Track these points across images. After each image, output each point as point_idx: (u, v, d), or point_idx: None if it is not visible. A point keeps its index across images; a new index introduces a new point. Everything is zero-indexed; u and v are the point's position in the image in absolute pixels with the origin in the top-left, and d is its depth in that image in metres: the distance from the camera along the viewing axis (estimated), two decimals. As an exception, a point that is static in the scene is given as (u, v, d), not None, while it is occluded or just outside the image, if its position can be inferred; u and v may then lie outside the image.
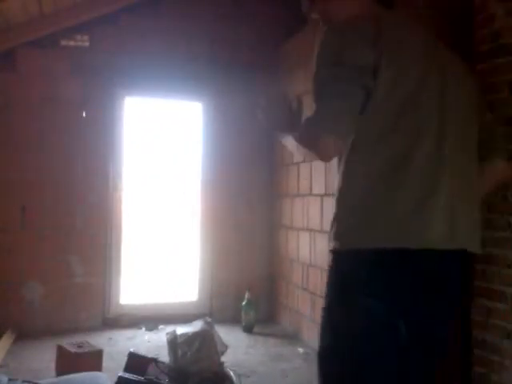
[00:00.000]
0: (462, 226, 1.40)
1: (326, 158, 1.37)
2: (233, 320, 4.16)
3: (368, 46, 1.31)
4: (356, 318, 1.34)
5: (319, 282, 3.54)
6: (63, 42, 3.99)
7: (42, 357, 3.28)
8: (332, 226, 1.42)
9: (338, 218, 1.41)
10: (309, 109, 1.41)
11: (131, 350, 2.84)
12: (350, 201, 1.39)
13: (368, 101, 1.31)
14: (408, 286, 1.35)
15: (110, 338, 3.74)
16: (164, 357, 3.06)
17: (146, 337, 3.80)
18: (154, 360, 2.73)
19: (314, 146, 1.33)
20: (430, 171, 1.34)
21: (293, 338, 3.87)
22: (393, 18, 1.50)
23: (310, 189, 3.73)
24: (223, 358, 2.93)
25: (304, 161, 3.84)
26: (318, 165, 3.59)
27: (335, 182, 1.47)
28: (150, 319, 4.09)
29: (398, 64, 1.33)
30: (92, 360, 2.87)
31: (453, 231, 1.36)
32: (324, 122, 1.30)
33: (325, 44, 1.36)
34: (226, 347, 2.98)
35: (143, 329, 3.97)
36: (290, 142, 1.53)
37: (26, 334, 3.74)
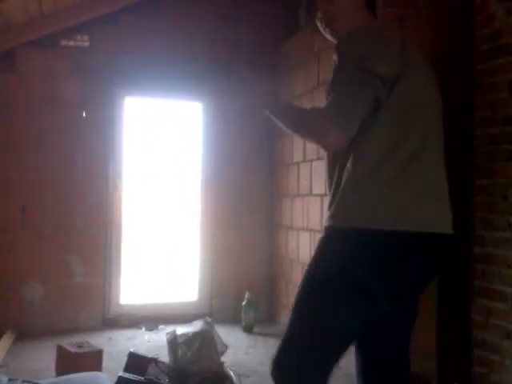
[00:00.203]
0: (450, 211, 1.57)
1: (329, 149, 1.54)
2: (233, 320, 4.16)
3: (393, 60, 1.46)
4: (350, 292, 1.45)
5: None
6: (63, 42, 3.99)
7: (42, 357, 3.28)
8: (340, 204, 1.52)
9: (349, 198, 1.50)
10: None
11: (131, 350, 2.84)
12: (365, 183, 1.48)
13: (378, 108, 1.45)
14: (408, 273, 1.49)
15: (110, 338, 3.74)
16: (164, 357, 3.06)
17: (146, 337, 3.80)
18: (154, 360, 2.73)
19: (320, 134, 1.46)
20: (432, 168, 1.52)
21: (293, 338, 3.86)
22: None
23: (310, 189, 3.73)
24: (223, 358, 2.92)
25: (288, 135, 3.84)
26: (318, 165, 3.59)
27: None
28: (150, 319, 4.09)
29: (414, 79, 1.50)
30: (92, 360, 2.87)
31: (448, 217, 1.55)
32: (338, 116, 1.42)
33: (354, 45, 1.49)
34: (226, 347, 2.98)
35: (143, 329, 3.97)
36: (285, 118, 1.67)
37: (26, 333, 3.74)
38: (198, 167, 4.44)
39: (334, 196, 1.59)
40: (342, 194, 1.53)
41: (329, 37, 1.80)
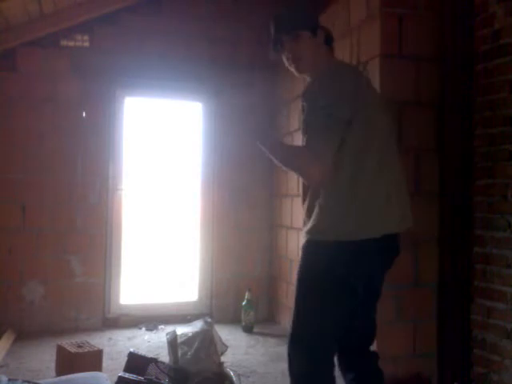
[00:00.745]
0: (408, 213, 1.94)
1: (312, 180, 1.81)
2: (233, 320, 4.16)
3: (350, 100, 1.76)
4: (338, 288, 1.84)
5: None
6: (63, 42, 3.99)
7: (42, 357, 3.29)
8: (319, 222, 1.84)
9: (330, 215, 1.83)
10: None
11: (131, 350, 2.84)
12: (332, 206, 1.82)
13: (344, 140, 1.78)
14: (378, 264, 1.91)
15: (110, 338, 3.75)
16: (164, 357, 3.06)
17: (146, 337, 3.81)
18: (154, 360, 2.73)
19: (304, 169, 1.78)
20: (383, 185, 1.84)
21: (293, 337, 3.86)
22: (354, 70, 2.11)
23: (310, 189, 3.73)
24: (223, 358, 2.93)
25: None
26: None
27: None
28: (150, 319, 4.09)
29: (367, 111, 1.82)
30: (92, 360, 2.87)
31: (403, 218, 1.92)
32: (318, 154, 1.73)
33: (319, 94, 1.78)
34: (226, 347, 2.98)
35: (143, 329, 3.98)
36: (277, 154, 1.90)
37: (25, 334, 3.74)
38: (197, 167, 4.44)
39: (308, 215, 1.91)
40: (316, 215, 1.85)
41: (294, 72, 2.03)
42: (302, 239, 1.97)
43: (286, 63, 2.02)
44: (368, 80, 2.05)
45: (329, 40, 2.00)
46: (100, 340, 3.65)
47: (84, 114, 4.03)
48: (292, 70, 2.02)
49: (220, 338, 2.93)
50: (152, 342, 3.65)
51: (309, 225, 1.89)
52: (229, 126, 4.35)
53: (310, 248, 1.92)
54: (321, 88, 1.81)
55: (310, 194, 1.91)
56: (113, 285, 4.15)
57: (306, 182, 1.88)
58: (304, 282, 1.92)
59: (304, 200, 1.99)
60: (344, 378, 2.04)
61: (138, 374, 2.56)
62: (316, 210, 1.86)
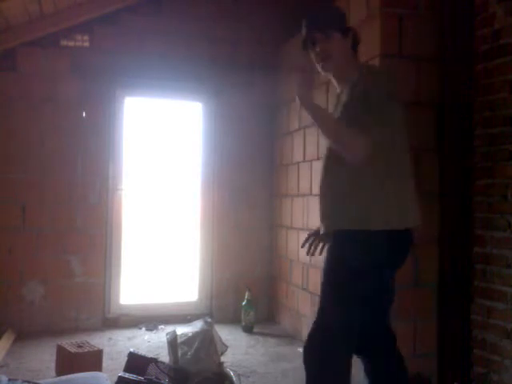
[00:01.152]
0: (418, 210, 2.02)
1: (356, 157, 1.83)
2: (233, 320, 4.16)
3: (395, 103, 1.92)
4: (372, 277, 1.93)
5: (319, 282, 3.53)
6: (63, 42, 3.99)
7: (42, 357, 3.29)
8: (357, 211, 1.88)
9: (367, 205, 1.88)
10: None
11: (131, 350, 2.84)
12: (382, 194, 1.89)
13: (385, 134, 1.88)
14: (401, 256, 2.00)
15: (110, 338, 3.75)
16: (164, 357, 3.06)
17: (146, 337, 3.81)
18: (154, 360, 2.73)
19: (355, 143, 1.81)
20: (412, 175, 1.99)
21: (293, 338, 3.87)
22: None
23: (310, 189, 3.73)
24: (223, 358, 2.93)
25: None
26: (318, 165, 3.58)
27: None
28: (150, 319, 4.09)
29: (400, 116, 1.95)
30: (92, 360, 2.87)
31: (418, 214, 2.00)
32: (369, 136, 1.81)
33: (379, 90, 1.89)
34: (226, 347, 2.98)
35: (143, 329, 3.98)
36: (319, 116, 1.89)
37: (25, 333, 3.74)
38: (197, 167, 4.44)
39: (335, 206, 1.97)
40: (353, 205, 1.90)
41: (320, 70, 2.08)
42: (326, 229, 1.99)
43: (314, 60, 2.09)
44: None
45: (355, 45, 2.08)
46: (100, 340, 3.65)
47: (84, 114, 4.03)
48: (319, 67, 2.08)
49: (220, 338, 2.93)
50: (152, 342, 3.65)
51: (342, 215, 1.92)
52: (229, 125, 4.35)
53: (343, 238, 1.93)
54: (379, 84, 1.92)
55: (338, 185, 1.95)
56: (113, 285, 4.15)
57: (348, 154, 1.85)
58: (337, 272, 1.93)
59: (324, 193, 2.02)
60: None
61: (138, 374, 2.56)
62: (351, 200, 1.90)
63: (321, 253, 2.19)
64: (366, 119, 1.81)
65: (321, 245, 2.18)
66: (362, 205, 1.88)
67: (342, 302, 1.93)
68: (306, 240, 2.22)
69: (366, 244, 1.88)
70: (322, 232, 2.06)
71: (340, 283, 1.93)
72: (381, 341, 2.07)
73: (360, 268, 1.88)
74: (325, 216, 2.02)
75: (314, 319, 1.99)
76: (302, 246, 2.24)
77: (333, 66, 2.05)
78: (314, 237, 2.21)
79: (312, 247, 2.18)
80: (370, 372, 2.09)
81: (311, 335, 1.97)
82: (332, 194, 1.98)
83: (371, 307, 1.98)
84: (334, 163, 1.96)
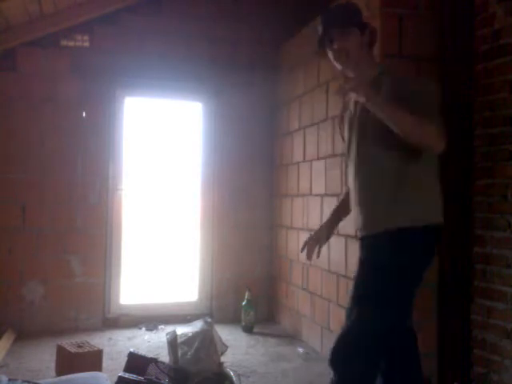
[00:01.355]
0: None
1: (439, 149, 1.86)
2: (233, 320, 4.16)
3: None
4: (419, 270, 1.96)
5: (319, 281, 3.54)
6: (63, 42, 3.99)
7: (42, 357, 3.29)
8: (406, 208, 1.90)
9: (416, 202, 1.91)
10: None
11: (131, 350, 2.84)
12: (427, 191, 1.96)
13: None
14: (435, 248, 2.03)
15: (110, 338, 3.74)
16: (164, 357, 3.06)
17: (146, 337, 3.81)
18: (154, 360, 2.73)
19: (439, 137, 1.83)
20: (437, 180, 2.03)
21: (293, 337, 3.87)
22: None
23: (310, 189, 3.73)
24: (223, 358, 2.93)
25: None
26: (318, 165, 3.59)
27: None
28: (150, 319, 4.09)
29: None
30: (92, 360, 2.87)
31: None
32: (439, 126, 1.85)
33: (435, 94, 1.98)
34: (226, 347, 2.98)
35: (143, 329, 3.97)
36: (393, 112, 1.86)
37: (25, 333, 3.74)
38: (197, 167, 4.44)
39: (376, 205, 1.97)
40: (400, 202, 1.92)
41: (338, 66, 2.05)
42: (369, 229, 1.99)
43: (332, 57, 2.05)
44: None
45: (372, 42, 2.07)
46: (100, 340, 3.65)
47: (84, 114, 4.03)
48: (337, 64, 2.06)
49: (220, 338, 2.93)
50: (152, 342, 3.65)
51: (387, 213, 1.92)
52: (229, 125, 4.35)
53: (390, 236, 1.92)
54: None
55: (378, 184, 1.95)
56: (113, 285, 4.15)
57: (431, 142, 1.85)
58: (387, 271, 1.90)
59: (359, 192, 2.00)
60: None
61: (138, 374, 2.56)
62: (397, 198, 1.91)
63: (318, 256, 2.21)
64: (430, 113, 1.84)
65: (317, 248, 2.20)
66: (417, 202, 1.91)
67: (389, 304, 1.89)
68: (305, 244, 2.23)
69: (419, 242, 1.90)
70: (362, 234, 2.04)
71: (389, 285, 1.89)
72: (403, 340, 2.06)
73: (413, 266, 1.90)
74: (373, 217, 1.98)
75: (349, 323, 1.95)
76: (302, 251, 2.24)
77: (351, 63, 2.02)
78: (312, 241, 2.21)
79: (310, 251, 2.19)
80: (385, 371, 2.05)
81: (345, 339, 1.95)
82: (379, 195, 1.95)
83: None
84: (375, 163, 1.95)
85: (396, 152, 1.90)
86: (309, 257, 2.20)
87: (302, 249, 2.22)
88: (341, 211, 2.29)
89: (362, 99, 1.85)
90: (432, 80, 2.08)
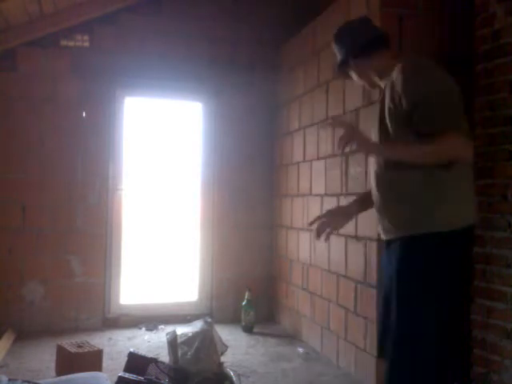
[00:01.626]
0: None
1: (468, 156, 1.81)
2: (233, 320, 4.16)
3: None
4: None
5: (319, 281, 3.54)
6: (63, 42, 3.99)
7: (42, 357, 3.29)
8: (434, 213, 1.81)
9: (442, 205, 1.81)
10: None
11: (131, 350, 2.84)
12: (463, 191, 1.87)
13: None
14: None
15: (110, 338, 3.74)
16: (164, 357, 3.07)
17: (146, 337, 3.81)
18: (154, 360, 2.73)
19: (463, 148, 1.78)
20: None
21: (293, 337, 3.87)
22: None
23: (310, 189, 3.73)
24: (223, 358, 2.93)
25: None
26: (318, 165, 3.59)
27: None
28: (150, 319, 4.09)
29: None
30: (92, 360, 2.87)
31: None
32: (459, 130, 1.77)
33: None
34: (226, 347, 2.98)
35: (143, 329, 3.98)
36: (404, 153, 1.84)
37: (25, 333, 3.74)
38: (197, 167, 4.44)
39: (401, 211, 1.88)
40: (424, 207, 1.84)
41: (367, 86, 2.16)
42: (395, 235, 1.89)
43: (356, 80, 2.14)
44: None
45: (384, 45, 2.07)
46: (100, 340, 3.65)
47: (84, 114, 4.03)
48: (364, 85, 2.16)
49: (220, 337, 2.93)
50: (152, 342, 3.65)
51: (413, 219, 1.84)
52: (229, 126, 4.35)
53: (419, 242, 1.83)
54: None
55: (401, 189, 1.86)
56: (113, 285, 4.15)
57: (459, 161, 1.80)
58: (421, 281, 1.80)
59: (384, 198, 1.93)
60: None
61: (138, 374, 2.56)
62: (421, 203, 1.83)
63: (326, 239, 2.09)
64: (441, 123, 1.77)
65: (329, 229, 2.08)
66: (443, 205, 1.81)
67: (433, 315, 1.79)
68: (317, 219, 2.11)
69: (458, 244, 1.83)
70: (388, 237, 1.94)
71: (431, 294, 1.80)
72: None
73: (451, 271, 1.81)
74: (405, 220, 1.87)
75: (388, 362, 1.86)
76: (311, 224, 2.13)
77: (375, 82, 2.08)
78: (327, 219, 2.10)
79: (321, 229, 2.06)
80: None
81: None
82: (404, 198, 1.87)
83: None
84: (399, 165, 1.86)
85: None
86: (318, 235, 2.08)
87: (312, 223, 2.12)
88: (364, 203, 2.19)
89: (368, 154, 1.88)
90: (435, 67, 1.88)
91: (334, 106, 3.35)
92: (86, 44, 4.04)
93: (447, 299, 1.81)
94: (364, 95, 2.95)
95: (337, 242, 3.24)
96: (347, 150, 1.87)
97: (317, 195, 3.61)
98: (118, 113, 4.19)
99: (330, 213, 2.16)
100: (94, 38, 4.06)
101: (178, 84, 4.28)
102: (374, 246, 2.84)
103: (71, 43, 4.01)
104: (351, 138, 1.86)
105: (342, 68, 2.12)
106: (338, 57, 2.12)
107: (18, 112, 3.91)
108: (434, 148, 1.75)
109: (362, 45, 2.05)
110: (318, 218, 2.13)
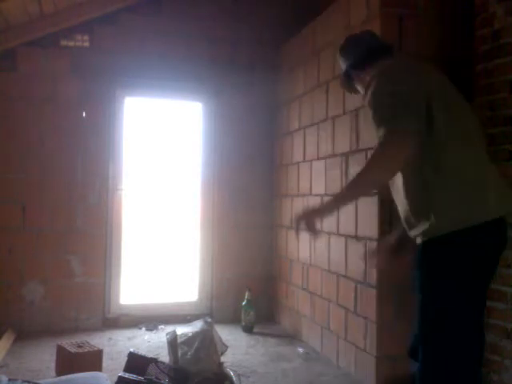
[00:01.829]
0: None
1: (403, 152, 1.71)
2: (233, 320, 4.16)
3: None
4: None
5: (319, 281, 3.54)
6: (63, 42, 3.99)
7: (42, 357, 3.29)
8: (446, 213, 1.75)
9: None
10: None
11: (131, 350, 2.84)
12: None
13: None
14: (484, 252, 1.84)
15: (110, 338, 3.74)
16: (164, 357, 3.06)
17: (146, 337, 3.81)
18: (154, 360, 2.73)
19: (395, 151, 1.71)
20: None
21: (293, 337, 3.87)
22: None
23: (310, 189, 3.73)
24: (223, 358, 2.93)
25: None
26: (318, 165, 3.59)
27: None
28: (149, 319, 4.09)
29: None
30: (92, 360, 2.87)
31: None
32: (389, 132, 1.72)
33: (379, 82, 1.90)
34: (226, 347, 2.98)
35: (143, 329, 3.97)
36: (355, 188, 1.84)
37: (25, 333, 3.74)
38: (197, 167, 4.44)
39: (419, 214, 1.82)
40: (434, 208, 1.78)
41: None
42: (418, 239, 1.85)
43: (361, 91, 2.16)
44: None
45: (386, 52, 2.10)
46: (100, 340, 3.65)
47: (84, 114, 4.03)
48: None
49: (220, 338, 2.93)
50: (152, 342, 3.65)
51: (416, 227, 1.81)
52: (229, 126, 4.35)
53: (422, 249, 1.82)
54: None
55: (415, 191, 1.83)
56: (113, 285, 4.15)
57: (398, 167, 1.77)
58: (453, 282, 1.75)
59: (395, 196, 1.93)
60: None
61: (138, 374, 2.56)
62: (417, 210, 1.81)
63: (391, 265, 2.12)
64: (377, 124, 1.76)
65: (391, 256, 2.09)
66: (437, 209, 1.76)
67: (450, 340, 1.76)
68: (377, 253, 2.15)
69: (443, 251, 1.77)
70: (419, 240, 1.86)
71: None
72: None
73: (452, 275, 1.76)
74: (409, 227, 1.87)
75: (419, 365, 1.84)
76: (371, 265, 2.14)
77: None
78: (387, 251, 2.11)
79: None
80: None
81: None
82: (405, 203, 1.86)
83: None
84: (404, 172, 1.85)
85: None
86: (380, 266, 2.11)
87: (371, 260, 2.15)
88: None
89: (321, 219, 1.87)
90: (395, 70, 1.92)
91: (334, 106, 3.35)
92: (86, 44, 4.04)
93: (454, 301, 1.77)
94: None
95: (337, 242, 3.24)
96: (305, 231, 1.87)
97: (317, 195, 3.61)
98: (118, 113, 4.19)
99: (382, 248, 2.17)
100: (94, 37, 4.06)
101: (178, 84, 4.28)
102: (373, 246, 2.84)
103: (71, 43, 4.01)
104: (298, 223, 1.86)
105: (346, 80, 2.16)
106: (342, 69, 2.19)
107: (18, 112, 3.91)
108: (363, 170, 1.77)
109: (361, 56, 2.09)
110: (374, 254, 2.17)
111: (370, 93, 1.85)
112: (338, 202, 1.91)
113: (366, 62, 2.06)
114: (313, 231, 1.85)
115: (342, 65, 2.19)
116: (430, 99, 1.77)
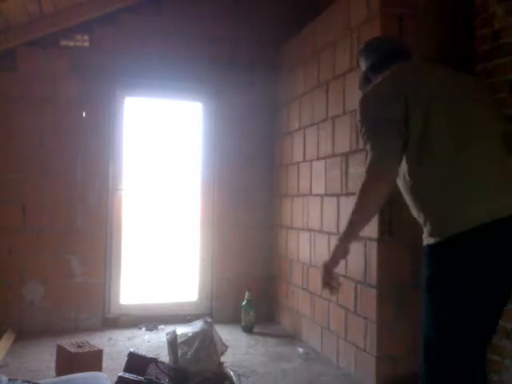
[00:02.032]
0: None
1: (390, 184, 1.80)
2: (233, 320, 4.16)
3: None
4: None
5: (319, 282, 3.54)
6: (63, 42, 3.99)
7: (42, 357, 3.29)
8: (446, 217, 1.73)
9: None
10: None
11: (131, 350, 2.84)
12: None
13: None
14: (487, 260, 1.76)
15: (110, 338, 3.75)
16: (164, 357, 3.06)
17: (146, 337, 3.81)
18: (154, 360, 2.73)
19: (379, 182, 1.78)
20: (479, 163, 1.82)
21: (293, 337, 3.87)
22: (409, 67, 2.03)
23: (310, 189, 3.73)
24: (223, 358, 2.93)
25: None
26: (318, 165, 3.59)
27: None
28: (149, 319, 4.09)
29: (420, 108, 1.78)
30: (92, 360, 2.87)
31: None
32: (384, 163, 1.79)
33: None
34: (226, 347, 2.98)
35: (143, 329, 3.98)
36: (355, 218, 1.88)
37: (25, 333, 3.74)
38: (197, 167, 4.44)
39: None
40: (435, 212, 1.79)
41: None
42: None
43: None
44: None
45: (402, 56, 2.09)
46: (100, 340, 3.65)
47: (84, 114, 4.03)
48: None
49: (220, 338, 2.93)
50: (152, 342, 3.65)
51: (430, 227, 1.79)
52: (229, 125, 4.35)
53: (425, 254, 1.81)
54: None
55: (417, 196, 1.84)
56: (113, 285, 4.15)
57: (385, 189, 1.80)
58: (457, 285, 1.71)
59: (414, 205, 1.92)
60: None
61: (138, 374, 2.56)
62: (417, 214, 1.84)
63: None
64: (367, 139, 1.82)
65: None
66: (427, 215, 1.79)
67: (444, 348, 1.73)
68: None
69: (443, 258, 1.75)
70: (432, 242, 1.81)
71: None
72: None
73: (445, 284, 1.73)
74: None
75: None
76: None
77: None
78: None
79: None
80: None
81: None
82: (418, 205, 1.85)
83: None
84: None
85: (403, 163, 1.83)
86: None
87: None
88: None
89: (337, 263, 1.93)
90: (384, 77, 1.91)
91: (334, 106, 3.35)
92: (86, 44, 4.04)
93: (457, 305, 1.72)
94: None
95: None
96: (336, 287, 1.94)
97: (317, 195, 3.61)
98: (118, 113, 4.19)
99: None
100: (93, 37, 4.06)
101: (178, 84, 4.28)
102: (374, 246, 2.84)
103: (71, 43, 4.01)
104: (324, 280, 1.94)
105: (365, 82, 2.16)
106: (361, 71, 2.21)
107: (18, 112, 3.91)
108: (358, 195, 1.82)
109: (378, 59, 2.10)
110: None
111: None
112: (347, 239, 1.90)
113: (383, 64, 2.06)
114: (330, 279, 1.93)
115: (362, 67, 2.21)
116: (429, 99, 1.78)
